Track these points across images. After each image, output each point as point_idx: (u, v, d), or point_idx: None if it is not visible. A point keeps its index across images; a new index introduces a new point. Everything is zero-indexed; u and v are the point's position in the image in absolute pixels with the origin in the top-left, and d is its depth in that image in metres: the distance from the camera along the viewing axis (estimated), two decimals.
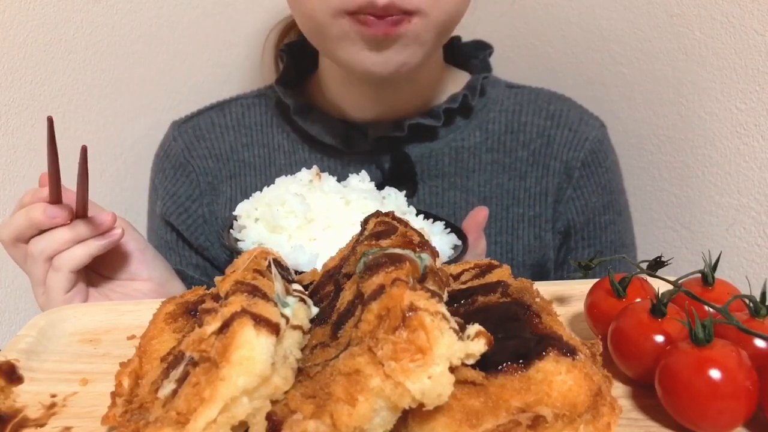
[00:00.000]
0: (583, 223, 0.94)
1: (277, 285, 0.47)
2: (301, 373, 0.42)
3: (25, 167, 1.03)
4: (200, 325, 0.41)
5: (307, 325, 0.48)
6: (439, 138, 0.93)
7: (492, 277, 0.54)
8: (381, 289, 0.41)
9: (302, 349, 0.45)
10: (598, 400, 0.40)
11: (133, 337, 0.60)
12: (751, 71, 0.89)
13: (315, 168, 0.80)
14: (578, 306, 0.60)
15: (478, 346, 0.40)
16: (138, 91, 1.14)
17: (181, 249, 0.99)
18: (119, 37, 1.10)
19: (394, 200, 0.78)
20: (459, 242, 0.75)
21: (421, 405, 0.37)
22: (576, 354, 0.41)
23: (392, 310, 0.39)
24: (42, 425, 0.48)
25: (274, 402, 0.40)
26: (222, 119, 0.99)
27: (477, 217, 0.77)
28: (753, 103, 0.89)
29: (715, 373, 0.41)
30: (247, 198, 0.78)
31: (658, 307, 0.48)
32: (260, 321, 0.40)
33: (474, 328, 0.41)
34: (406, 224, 0.54)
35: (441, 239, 0.75)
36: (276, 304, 0.44)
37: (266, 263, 0.50)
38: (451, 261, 0.70)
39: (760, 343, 0.45)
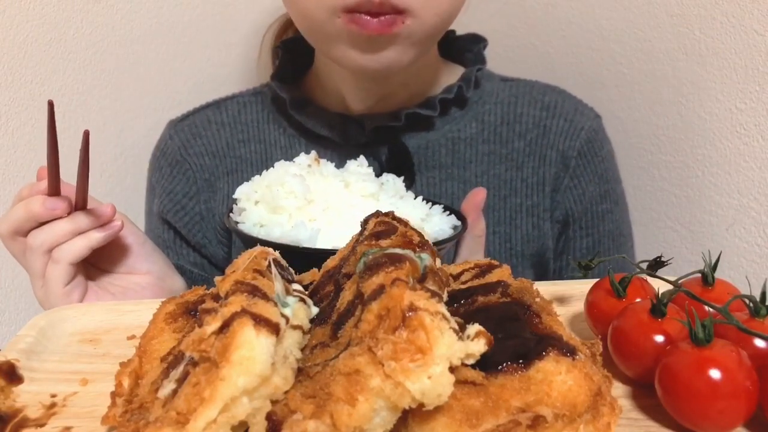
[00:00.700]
0: (581, 212, 0.94)
1: (277, 285, 0.47)
2: (301, 373, 0.42)
3: (25, 167, 1.03)
4: (200, 325, 0.41)
5: (307, 325, 0.48)
6: (436, 129, 0.94)
7: (492, 277, 0.54)
8: (381, 289, 0.41)
9: (302, 349, 0.45)
10: (598, 400, 0.40)
11: (133, 337, 0.60)
12: (751, 71, 0.89)
13: (314, 153, 0.80)
14: (578, 306, 0.60)
15: (478, 346, 0.40)
16: (138, 91, 1.14)
17: (179, 247, 0.99)
18: (119, 37, 1.10)
19: (393, 185, 0.78)
20: (458, 223, 0.76)
21: (421, 405, 0.37)
22: (576, 354, 0.41)
23: (392, 310, 0.39)
24: (42, 425, 0.48)
25: (274, 402, 0.40)
26: (218, 116, 1.00)
27: (475, 199, 0.78)
28: (753, 103, 0.89)
29: (715, 373, 0.41)
30: None
31: (658, 307, 0.48)
32: (260, 321, 0.40)
33: (474, 328, 0.41)
34: (406, 224, 0.54)
35: (441, 219, 0.75)
36: (276, 304, 0.44)
37: (266, 263, 0.50)
38: (451, 239, 0.71)
39: (760, 343, 0.45)
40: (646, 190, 1.07)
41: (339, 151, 0.93)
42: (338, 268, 0.54)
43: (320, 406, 0.38)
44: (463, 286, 0.54)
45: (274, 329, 0.40)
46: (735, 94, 0.91)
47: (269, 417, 0.39)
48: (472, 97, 0.95)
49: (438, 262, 0.53)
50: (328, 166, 0.78)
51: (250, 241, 0.66)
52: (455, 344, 0.38)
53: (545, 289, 0.56)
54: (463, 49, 0.99)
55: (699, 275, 0.53)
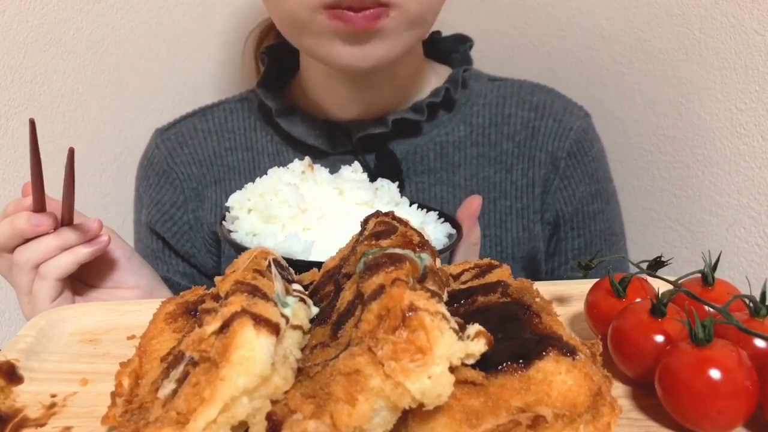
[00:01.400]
0: (571, 213, 0.94)
1: (277, 285, 0.47)
2: (301, 373, 0.42)
3: (25, 167, 1.02)
4: (200, 325, 0.41)
5: (307, 325, 0.48)
6: (424, 133, 0.93)
7: (492, 277, 0.54)
8: (381, 289, 0.41)
9: (302, 349, 0.45)
10: (598, 400, 0.40)
11: (133, 337, 0.60)
12: (751, 71, 0.89)
13: (307, 159, 0.79)
14: (578, 306, 0.60)
15: (478, 346, 0.40)
16: (138, 91, 1.14)
17: (167, 257, 0.98)
18: (119, 37, 1.10)
19: (387, 191, 0.78)
20: (453, 231, 0.75)
21: (421, 405, 0.37)
22: (576, 354, 0.41)
23: (392, 310, 0.39)
24: (42, 425, 0.48)
25: (274, 402, 0.40)
26: (204, 124, 0.99)
27: (471, 206, 0.77)
28: (753, 103, 0.89)
29: (715, 373, 0.41)
30: None
31: (658, 307, 0.48)
32: (260, 321, 0.40)
33: (474, 328, 0.41)
34: (406, 224, 0.54)
35: (435, 228, 0.75)
36: (276, 304, 0.44)
37: (266, 263, 0.50)
38: (446, 249, 0.70)
39: (760, 343, 0.45)
40: (646, 190, 1.07)
41: (326, 159, 0.92)
42: (338, 268, 0.54)
43: (320, 406, 0.38)
44: (463, 286, 0.54)
45: (274, 329, 0.40)
46: (735, 94, 0.91)
47: (269, 417, 0.39)
48: (459, 99, 0.94)
49: (438, 262, 0.53)
50: (322, 173, 0.77)
51: (243, 252, 0.66)
52: (455, 344, 0.38)
53: (545, 289, 0.56)
54: (450, 49, 0.99)
55: (699, 275, 0.53)
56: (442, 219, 0.77)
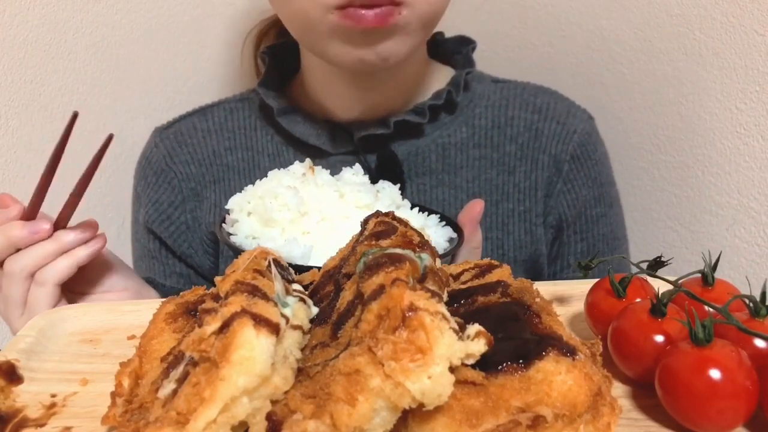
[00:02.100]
0: (574, 217, 0.93)
1: (277, 285, 0.47)
2: (301, 373, 0.42)
3: (25, 167, 1.03)
4: (200, 325, 0.41)
5: (307, 325, 0.48)
6: (425, 135, 0.93)
7: (492, 277, 0.54)
8: (381, 289, 0.41)
9: (302, 349, 0.45)
10: (598, 400, 0.40)
11: (133, 337, 0.60)
12: (751, 71, 0.89)
13: (308, 161, 0.79)
14: (578, 306, 0.60)
15: (478, 346, 0.40)
16: (138, 91, 1.14)
17: (164, 258, 0.97)
18: (119, 37, 1.10)
19: (389, 193, 0.77)
20: (455, 235, 0.75)
21: (421, 405, 0.37)
22: (576, 354, 0.41)
23: (392, 310, 0.39)
24: (42, 425, 0.48)
25: (274, 402, 0.40)
26: (204, 124, 0.98)
27: (472, 211, 0.76)
28: (753, 103, 0.89)
29: (715, 373, 0.41)
30: None
31: (658, 307, 0.48)
32: (260, 321, 0.40)
33: (474, 328, 0.41)
34: (406, 224, 0.54)
35: (436, 232, 0.75)
36: (276, 304, 0.44)
37: (266, 263, 0.50)
38: (447, 254, 0.70)
39: (760, 343, 0.45)
40: (646, 190, 1.07)
41: (327, 160, 0.92)
42: (338, 268, 0.54)
43: (320, 406, 0.38)
44: (463, 286, 0.54)
45: (274, 329, 0.40)
46: (735, 94, 0.91)
47: (269, 417, 0.39)
48: (462, 101, 0.94)
49: (438, 262, 0.53)
50: (323, 175, 0.77)
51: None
52: (455, 344, 0.38)
53: (545, 289, 0.56)
54: (453, 51, 0.98)
55: (699, 275, 0.53)
56: (444, 222, 0.77)
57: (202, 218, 0.96)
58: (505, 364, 0.41)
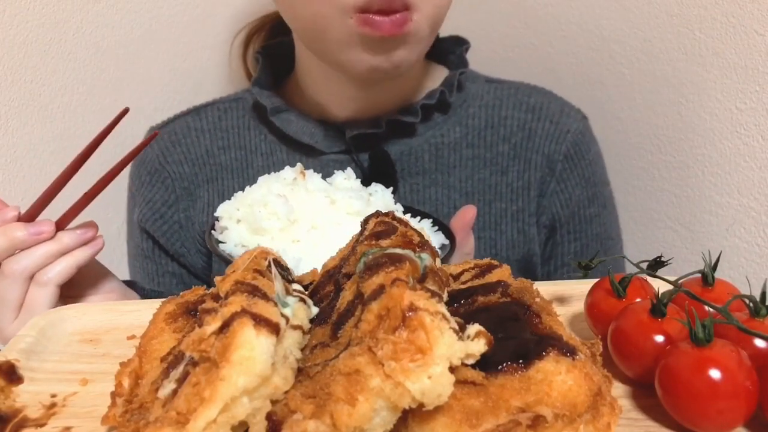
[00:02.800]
0: (567, 217, 0.93)
1: (277, 285, 0.47)
2: (301, 373, 0.42)
3: (25, 167, 1.03)
4: (200, 325, 0.41)
5: (307, 325, 0.48)
6: (418, 135, 0.93)
7: (492, 277, 0.54)
8: (381, 289, 0.41)
9: (302, 349, 0.45)
10: (598, 400, 0.40)
11: (133, 337, 0.60)
12: (751, 71, 0.89)
13: (299, 166, 0.78)
14: (578, 306, 0.60)
15: (478, 346, 0.40)
16: (138, 90, 1.14)
17: (157, 257, 0.97)
18: (119, 37, 1.10)
19: (381, 197, 0.77)
20: (446, 241, 0.74)
21: (421, 405, 0.37)
22: (576, 354, 0.41)
23: (392, 310, 0.39)
24: (42, 425, 0.48)
25: (274, 402, 0.40)
26: (198, 123, 0.98)
27: (465, 217, 0.76)
28: (753, 103, 0.89)
29: (715, 373, 0.41)
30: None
31: (658, 307, 0.48)
32: (260, 321, 0.40)
33: (474, 328, 0.41)
34: (406, 224, 0.54)
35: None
36: (276, 304, 0.44)
37: (266, 263, 0.50)
38: (441, 260, 0.70)
39: (760, 343, 0.45)
40: (646, 190, 1.07)
41: (320, 159, 0.92)
42: (338, 268, 0.54)
43: (320, 406, 0.38)
44: (463, 286, 0.54)
45: (274, 329, 0.40)
46: (735, 94, 0.91)
47: (269, 417, 0.39)
48: (455, 101, 0.94)
49: (438, 262, 0.53)
50: (314, 179, 0.76)
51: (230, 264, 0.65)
52: (455, 344, 0.38)
53: (545, 289, 0.56)
54: (447, 51, 0.98)
55: (699, 275, 0.53)
56: (436, 227, 0.76)
57: (195, 217, 0.96)
58: (505, 364, 0.41)
